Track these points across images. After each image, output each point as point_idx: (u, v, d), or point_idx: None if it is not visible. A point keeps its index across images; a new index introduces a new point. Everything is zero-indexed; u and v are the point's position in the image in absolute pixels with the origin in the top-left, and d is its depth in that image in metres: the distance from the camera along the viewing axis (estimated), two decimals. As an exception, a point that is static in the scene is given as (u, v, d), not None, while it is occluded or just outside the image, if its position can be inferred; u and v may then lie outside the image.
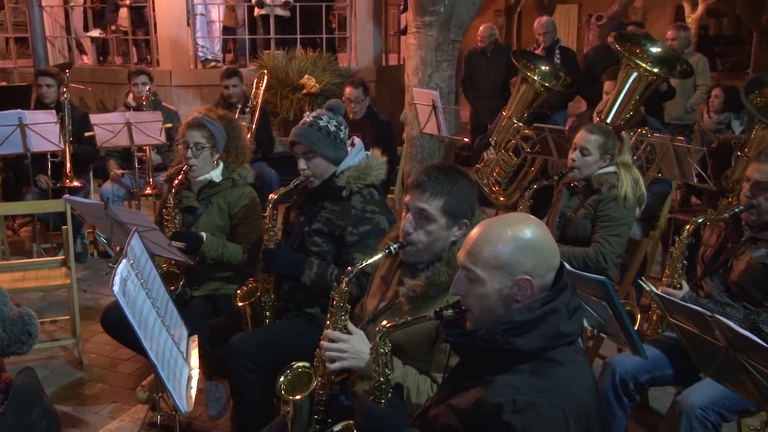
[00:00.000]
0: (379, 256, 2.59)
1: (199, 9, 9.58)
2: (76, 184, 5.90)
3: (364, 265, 2.58)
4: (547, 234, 1.98)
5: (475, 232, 1.99)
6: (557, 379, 1.85)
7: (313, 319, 3.27)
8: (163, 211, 3.91)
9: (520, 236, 1.92)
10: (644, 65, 5.19)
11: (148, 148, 6.34)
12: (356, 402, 2.24)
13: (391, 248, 2.56)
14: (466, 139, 7.20)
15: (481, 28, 8.67)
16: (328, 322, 2.58)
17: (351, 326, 2.54)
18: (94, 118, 6.24)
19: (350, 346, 2.46)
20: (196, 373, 2.80)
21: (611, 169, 4.05)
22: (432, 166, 2.63)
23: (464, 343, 2.00)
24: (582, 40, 21.46)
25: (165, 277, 3.69)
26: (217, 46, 10.06)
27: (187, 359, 2.83)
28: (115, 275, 2.40)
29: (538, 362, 1.88)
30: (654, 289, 2.93)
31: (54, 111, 5.92)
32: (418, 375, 2.42)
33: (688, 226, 3.44)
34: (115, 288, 2.38)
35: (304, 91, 8.54)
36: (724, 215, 3.40)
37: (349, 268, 2.60)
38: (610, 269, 3.88)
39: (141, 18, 10.03)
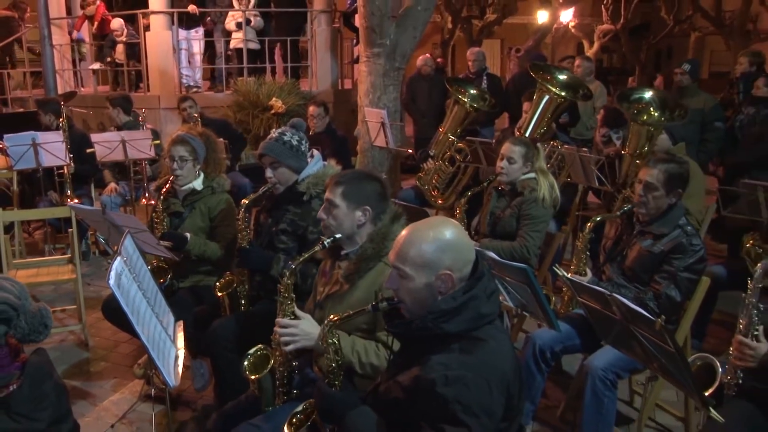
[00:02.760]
0: (315, 249, 2.60)
1: (183, 44, 9.58)
2: (75, 201, 5.82)
3: (302, 259, 2.60)
4: (463, 233, 1.99)
5: (402, 235, 1.99)
6: (481, 354, 1.87)
7: (281, 305, 3.24)
8: (153, 215, 3.89)
9: (440, 237, 1.93)
10: (554, 90, 5.26)
11: (144, 162, 6.36)
12: (316, 387, 2.22)
13: (325, 243, 2.58)
14: (410, 151, 7.22)
15: (420, 57, 8.76)
16: (278, 311, 2.57)
17: (298, 312, 2.53)
18: (94, 137, 6.26)
19: (299, 329, 2.44)
20: (182, 353, 2.79)
21: (532, 175, 4.09)
22: (349, 171, 2.68)
23: (403, 332, 2.02)
24: (504, 68, 21.78)
25: (155, 271, 3.68)
26: (198, 74, 10.03)
27: (174, 341, 2.82)
28: (110, 270, 2.38)
29: (465, 341, 1.89)
30: (565, 274, 2.97)
31: (62, 132, 5.94)
32: (363, 340, 2.43)
33: (589, 224, 3.49)
34: (111, 282, 2.36)
35: (272, 111, 8.55)
36: (616, 214, 3.46)
37: (290, 262, 2.61)
38: (531, 259, 3.92)
39: (134, 52, 10.01)
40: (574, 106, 7.05)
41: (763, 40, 20.41)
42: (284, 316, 2.54)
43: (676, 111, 4.65)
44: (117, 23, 10.01)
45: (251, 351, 2.66)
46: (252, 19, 9.57)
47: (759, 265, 2.65)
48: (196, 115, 6.68)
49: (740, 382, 2.63)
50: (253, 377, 2.59)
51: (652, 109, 4.70)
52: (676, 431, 3.53)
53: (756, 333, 2.58)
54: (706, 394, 2.44)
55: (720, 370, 2.59)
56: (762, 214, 3.94)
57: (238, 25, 9.58)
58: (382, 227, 2.53)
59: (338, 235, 2.57)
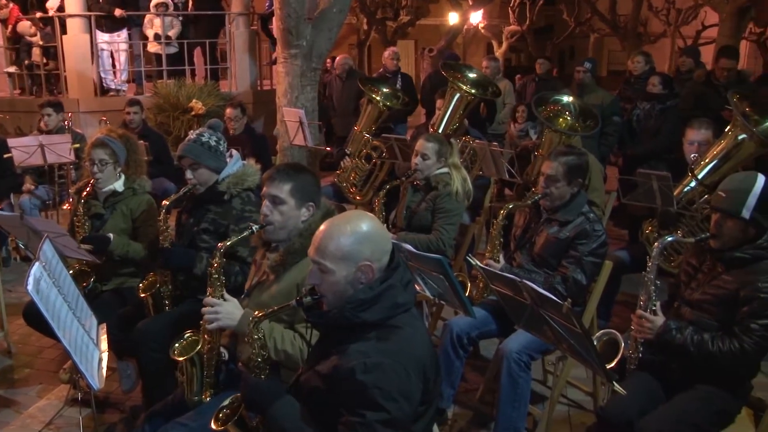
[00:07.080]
0: (244, 234, 2.59)
1: (104, 46, 9.25)
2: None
3: (230, 242, 2.60)
4: (379, 225, 2.00)
5: (320, 230, 1.98)
6: (398, 341, 1.88)
7: (205, 304, 3.19)
8: (74, 218, 3.75)
9: (357, 230, 1.93)
10: (465, 87, 5.34)
11: (68, 166, 6.15)
12: (242, 379, 2.20)
13: (253, 228, 2.56)
14: (328, 149, 7.18)
15: (338, 58, 8.74)
16: (208, 293, 2.55)
17: (227, 296, 2.53)
18: (11, 141, 5.99)
19: (223, 309, 2.45)
20: (105, 356, 2.73)
21: (445, 170, 4.13)
22: (281, 164, 2.66)
23: (322, 322, 2.01)
24: (419, 68, 22.01)
25: (77, 275, 3.56)
26: (124, 77, 9.70)
27: (97, 344, 2.75)
28: (29, 276, 2.30)
29: (382, 329, 1.90)
30: (479, 263, 3.01)
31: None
32: (282, 328, 2.42)
33: (502, 211, 3.55)
34: (29, 287, 2.28)
35: (193, 113, 8.40)
36: (528, 202, 3.53)
37: (219, 245, 2.59)
38: (447, 251, 3.96)
39: (51, 53, 9.54)
40: (492, 103, 7.20)
41: (653, 42, 21.46)
42: (214, 297, 2.52)
43: (588, 121, 4.78)
44: (24, 25, 9.50)
45: (183, 334, 2.64)
46: (170, 33, 9.35)
47: (656, 244, 2.80)
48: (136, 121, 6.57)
49: (640, 355, 2.77)
50: (180, 359, 2.56)
51: (567, 113, 4.82)
52: (586, 405, 3.67)
53: (654, 308, 2.73)
54: (609, 366, 2.54)
55: (623, 344, 2.71)
56: (656, 201, 4.12)
57: (156, 37, 9.34)
58: (312, 223, 2.49)
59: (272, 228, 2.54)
